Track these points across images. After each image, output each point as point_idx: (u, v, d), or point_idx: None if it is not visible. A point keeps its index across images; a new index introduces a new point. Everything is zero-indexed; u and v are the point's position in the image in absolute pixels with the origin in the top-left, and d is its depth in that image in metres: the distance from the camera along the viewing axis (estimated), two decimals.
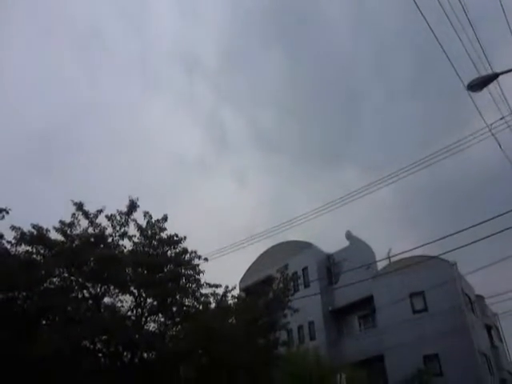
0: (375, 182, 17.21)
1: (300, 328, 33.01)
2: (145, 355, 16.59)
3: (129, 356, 16.07)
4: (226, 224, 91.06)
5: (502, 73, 10.38)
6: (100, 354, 16.46)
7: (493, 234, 14.96)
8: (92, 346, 15.74)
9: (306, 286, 33.08)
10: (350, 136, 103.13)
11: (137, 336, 14.53)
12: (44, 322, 14.84)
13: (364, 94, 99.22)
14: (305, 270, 34.28)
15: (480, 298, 33.99)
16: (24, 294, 14.40)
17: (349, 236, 34.99)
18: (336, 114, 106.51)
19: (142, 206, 16.44)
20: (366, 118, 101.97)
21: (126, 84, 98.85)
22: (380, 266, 32.20)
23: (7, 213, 13.54)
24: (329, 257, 35.86)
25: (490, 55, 10.53)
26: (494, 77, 10.33)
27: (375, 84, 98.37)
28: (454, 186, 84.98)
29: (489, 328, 33.90)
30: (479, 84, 10.22)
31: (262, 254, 38.52)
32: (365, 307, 31.93)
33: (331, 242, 76.91)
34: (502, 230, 14.87)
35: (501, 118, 12.25)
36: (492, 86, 10.81)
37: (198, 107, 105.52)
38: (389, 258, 29.57)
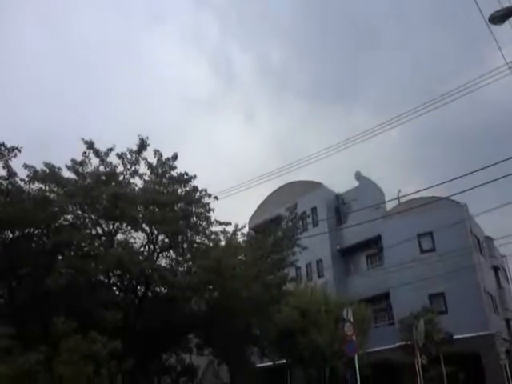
0: (386, 122, 16.96)
1: (308, 266, 33.71)
2: (158, 289, 17.16)
3: (142, 290, 16.64)
4: (235, 163, 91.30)
5: None
6: (115, 288, 17.07)
7: (503, 176, 14.79)
8: (107, 280, 16.31)
9: (315, 225, 33.48)
10: (363, 75, 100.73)
11: (150, 271, 14.94)
12: (60, 258, 15.28)
13: (379, 30, 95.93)
14: (314, 209, 34.54)
15: (489, 239, 34.24)
16: (40, 230, 14.75)
17: (358, 176, 34.90)
18: (349, 52, 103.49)
19: (152, 145, 16.46)
20: (381, 56, 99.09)
21: (131, 19, 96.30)
22: (389, 206, 32.37)
23: (19, 151, 13.59)
24: (338, 197, 36.00)
25: None
26: None
27: (391, 20, 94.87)
28: (467, 128, 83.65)
29: (496, 269, 34.37)
30: (501, 16, 9.67)
31: (271, 194, 38.73)
32: (373, 246, 32.37)
33: (341, 183, 77.00)
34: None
35: None
36: None
37: (205, 42, 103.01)
38: (398, 198, 29.60)
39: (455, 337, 22.81)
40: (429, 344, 21.36)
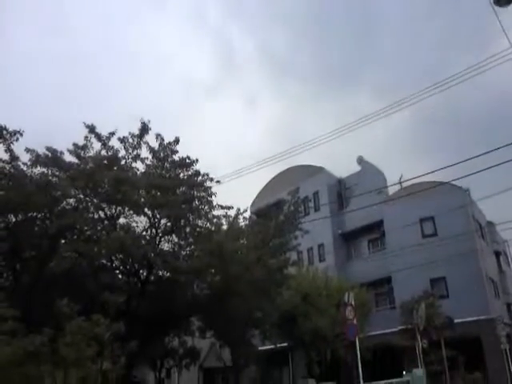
0: (388, 106, 16.88)
1: (310, 250, 33.81)
2: (160, 273, 17.25)
3: (145, 273, 16.73)
4: (236, 148, 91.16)
5: None
6: (117, 271, 17.17)
7: (505, 161, 14.71)
8: (109, 264, 16.39)
9: (317, 209, 33.54)
10: (365, 59, 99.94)
11: (152, 254, 15.01)
12: (63, 241, 15.38)
13: (381, 13, 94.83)
14: (316, 194, 34.56)
15: (491, 224, 34.22)
16: (42, 214, 14.81)
17: (360, 161, 34.82)
18: (351, 36, 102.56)
19: (153, 130, 16.43)
20: (382, 40, 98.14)
21: (131, 4, 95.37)
22: (391, 191, 32.36)
23: (21, 135, 13.58)
24: (340, 181, 35.99)
25: None
26: None
27: (393, 2, 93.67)
28: (471, 112, 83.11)
29: (498, 254, 34.39)
30: None
31: (273, 178, 38.76)
32: (374, 231, 32.44)
33: (343, 167, 76.89)
34: None
35: None
36: None
37: (205, 26, 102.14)
38: (400, 183, 29.58)
39: (456, 321, 22.91)
40: (429, 328, 21.49)
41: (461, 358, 22.32)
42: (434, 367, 20.89)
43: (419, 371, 17.50)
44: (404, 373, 18.99)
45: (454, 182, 24.48)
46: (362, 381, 14.06)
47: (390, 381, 16.52)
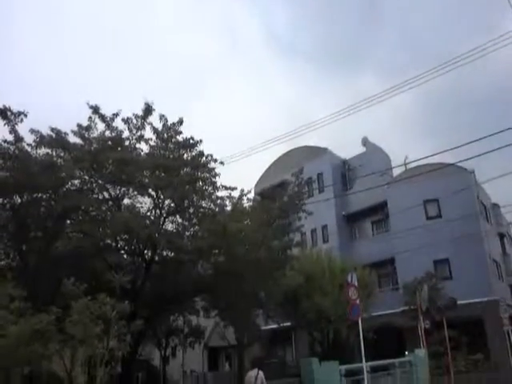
0: (395, 86, 16.75)
1: (313, 231, 33.89)
2: (164, 253, 17.37)
3: (149, 254, 16.86)
4: (242, 129, 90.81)
5: None
6: (122, 252, 17.30)
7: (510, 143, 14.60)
8: (114, 244, 16.51)
9: (321, 191, 33.49)
10: (371, 37, 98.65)
11: (156, 235, 15.10)
12: (68, 222, 15.46)
13: None
14: (320, 175, 34.49)
15: (496, 206, 34.17)
16: (48, 195, 14.87)
17: (365, 142, 34.64)
18: (357, 14, 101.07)
19: (158, 112, 16.38)
20: (389, 18, 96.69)
21: None
22: (396, 172, 32.28)
23: (25, 116, 13.57)
24: (344, 162, 35.86)
25: None
26: None
27: None
28: (478, 94, 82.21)
29: (502, 236, 34.41)
30: None
31: (277, 159, 38.64)
32: (378, 212, 32.42)
33: (347, 148, 76.58)
34: None
35: None
36: None
37: (209, 7, 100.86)
38: (405, 164, 29.50)
39: (459, 302, 23.02)
40: (432, 309, 21.62)
41: (463, 339, 22.50)
42: (436, 348, 21.07)
43: (421, 351, 17.67)
44: (406, 353, 19.19)
45: (459, 164, 24.38)
46: (364, 360, 14.20)
47: (392, 361, 16.69)
